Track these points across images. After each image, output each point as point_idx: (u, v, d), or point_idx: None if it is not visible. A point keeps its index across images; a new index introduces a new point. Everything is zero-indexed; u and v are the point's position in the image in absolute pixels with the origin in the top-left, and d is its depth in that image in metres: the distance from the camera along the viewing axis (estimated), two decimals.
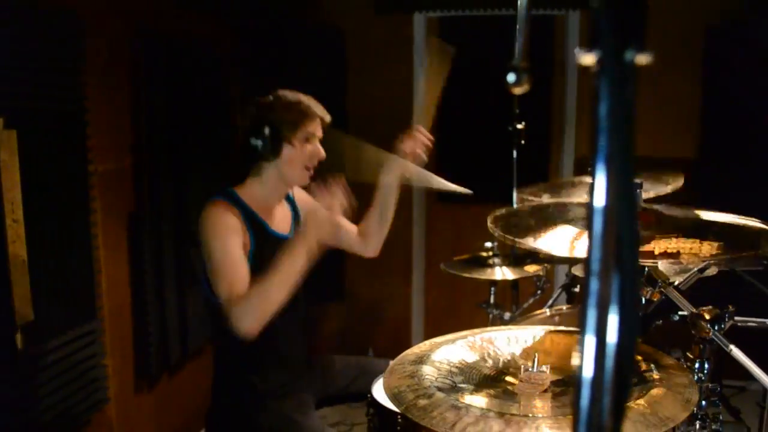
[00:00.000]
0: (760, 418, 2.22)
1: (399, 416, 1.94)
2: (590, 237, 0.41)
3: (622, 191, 0.39)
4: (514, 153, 3.13)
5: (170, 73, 3.00)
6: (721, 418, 1.61)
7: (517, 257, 3.00)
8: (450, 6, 4.17)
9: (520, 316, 2.94)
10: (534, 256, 2.99)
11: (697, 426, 1.51)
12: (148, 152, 2.89)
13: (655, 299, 1.65)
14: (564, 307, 2.80)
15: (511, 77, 0.49)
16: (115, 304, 2.74)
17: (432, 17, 4.26)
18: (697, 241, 1.47)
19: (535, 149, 3.66)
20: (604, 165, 0.39)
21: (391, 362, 1.53)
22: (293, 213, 2.30)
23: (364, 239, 2.46)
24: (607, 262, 0.40)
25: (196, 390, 3.33)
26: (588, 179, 1.76)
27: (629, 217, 0.39)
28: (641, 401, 1.19)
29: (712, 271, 1.88)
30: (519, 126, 3.08)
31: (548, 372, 1.39)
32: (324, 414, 2.48)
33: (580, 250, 1.50)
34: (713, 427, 1.55)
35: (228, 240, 1.97)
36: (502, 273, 2.87)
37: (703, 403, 1.51)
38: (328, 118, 2.20)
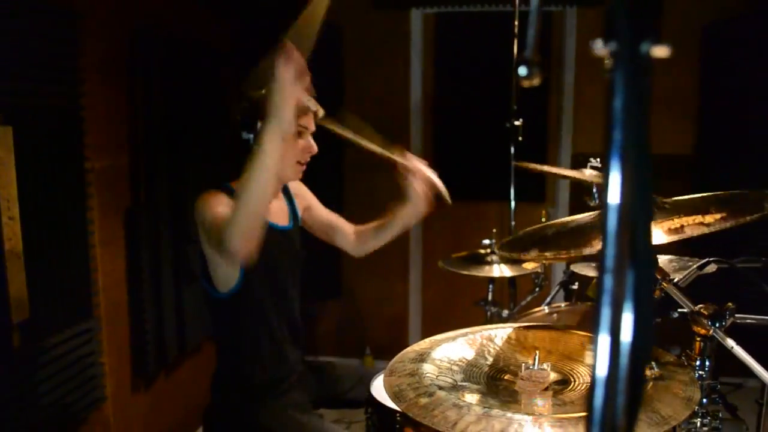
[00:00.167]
0: (758, 415, 2.21)
1: (398, 414, 1.94)
2: (604, 233, 0.40)
3: (637, 186, 0.38)
4: (512, 150, 3.12)
5: (167, 70, 2.99)
6: (720, 415, 1.61)
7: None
8: (447, 2, 4.16)
9: (518, 314, 2.94)
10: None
11: (698, 424, 1.50)
12: (145, 149, 2.88)
13: (655, 296, 1.64)
14: (562, 305, 2.79)
15: (522, 70, 0.47)
16: (112, 301, 2.73)
17: (429, 13, 4.25)
18: (699, 215, 1.47)
19: (533, 146, 3.66)
20: (618, 160, 0.38)
21: (392, 360, 1.52)
22: (290, 206, 2.30)
23: (360, 242, 2.45)
24: (622, 259, 0.39)
25: (193, 388, 3.32)
26: (588, 173, 1.75)
27: (644, 213, 0.38)
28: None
29: (711, 268, 1.87)
30: (517, 123, 3.07)
31: (549, 370, 1.38)
32: (322, 413, 2.48)
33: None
34: (713, 424, 1.55)
35: (220, 206, 1.96)
36: (500, 270, 2.86)
37: (704, 400, 1.51)
38: (321, 112, 2.18)
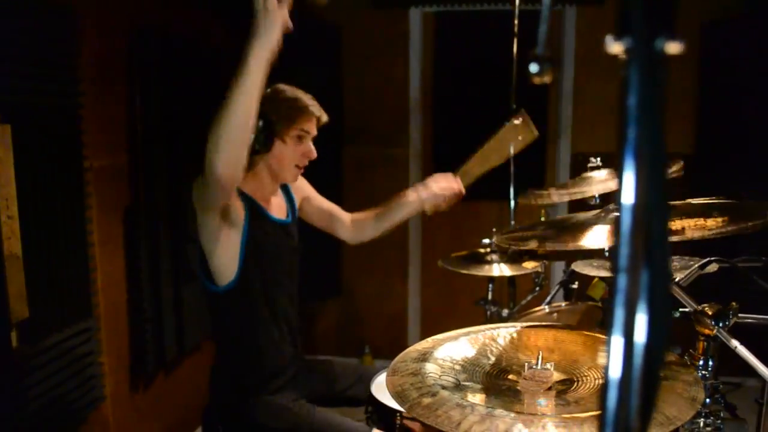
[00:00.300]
0: (758, 414, 2.21)
1: (398, 414, 1.93)
2: (618, 232, 0.39)
3: (653, 185, 0.37)
4: (511, 149, 3.11)
5: (166, 69, 2.98)
6: (722, 415, 1.61)
7: (515, 254, 2.99)
8: (446, 1, 4.15)
9: (518, 313, 2.93)
10: (532, 253, 2.98)
11: (702, 424, 1.50)
12: (144, 148, 2.87)
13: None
14: (562, 304, 2.79)
15: (533, 67, 0.47)
16: (111, 301, 2.72)
17: (428, 12, 4.24)
18: (701, 219, 1.47)
19: (532, 146, 3.65)
20: (633, 158, 0.38)
21: (394, 360, 1.52)
22: (288, 201, 2.31)
23: (357, 231, 2.48)
24: (636, 257, 0.39)
25: (192, 387, 3.31)
26: (589, 174, 1.75)
27: (661, 211, 0.37)
28: None
29: (712, 267, 1.87)
30: (516, 122, 3.05)
31: (552, 370, 1.37)
32: (320, 411, 2.47)
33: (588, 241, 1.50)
34: (716, 424, 1.55)
35: None
36: (500, 270, 2.86)
37: (707, 400, 1.50)
38: (325, 118, 2.17)
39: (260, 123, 2.03)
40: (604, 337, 1.54)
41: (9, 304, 2.09)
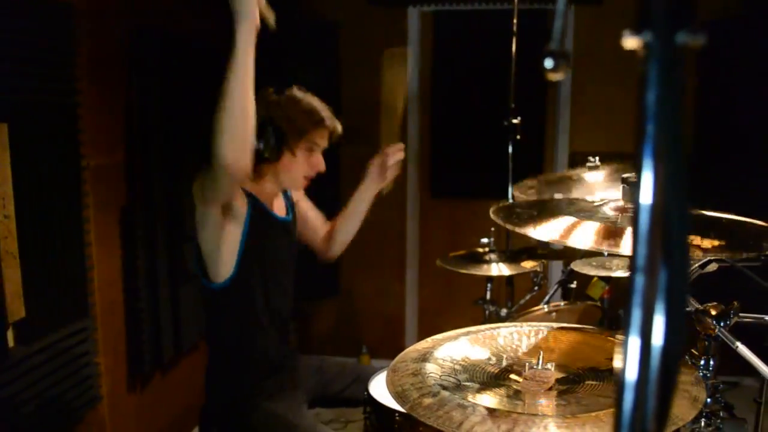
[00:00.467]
0: (756, 413, 2.21)
1: (397, 414, 1.92)
2: (635, 232, 0.38)
3: (672, 183, 0.36)
4: (510, 148, 3.10)
5: (164, 67, 2.97)
6: (722, 414, 1.60)
7: (513, 253, 2.99)
8: (445, 0, 4.15)
9: (517, 313, 2.93)
10: (531, 252, 2.98)
11: (702, 423, 1.50)
12: (142, 147, 2.86)
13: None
14: (561, 304, 2.79)
15: (548, 62, 0.46)
16: (108, 300, 2.71)
17: (426, 11, 4.23)
18: (698, 237, 1.45)
19: (530, 144, 3.65)
20: (651, 156, 0.37)
21: (393, 360, 1.51)
22: (287, 200, 2.30)
23: (329, 242, 2.45)
24: (654, 257, 0.38)
25: (189, 387, 3.30)
26: (584, 172, 1.74)
27: (681, 210, 0.37)
28: None
29: (712, 266, 1.87)
30: (515, 121, 3.05)
31: (553, 370, 1.37)
32: (318, 412, 2.46)
33: (577, 240, 1.48)
34: (717, 424, 1.54)
35: None
36: (499, 269, 2.85)
37: (709, 400, 1.50)
38: (339, 130, 2.13)
39: (270, 130, 1.98)
40: (604, 336, 1.54)
41: (5, 303, 2.08)
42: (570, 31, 4.11)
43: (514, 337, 1.57)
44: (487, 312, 3.02)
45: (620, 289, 2.66)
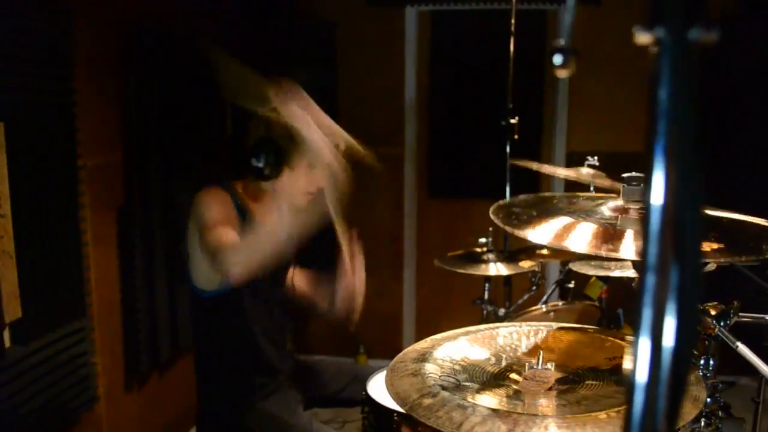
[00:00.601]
0: (754, 413, 2.21)
1: (395, 414, 1.92)
2: (646, 231, 0.38)
3: (685, 182, 0.36)
4: (507, 148, 3.10)
5: (161, 66, 2.95)
6: (720, 414, 1.60)
7: (511, 253, 2.98)
8: None
9: (515, 313, 2.92)
10: (528, 252, 2.97)
11: (702, 423, 1.49)
12: (138, 146, 2.85)
13: None
14: (560, 303, 2.78)
15: (557, 58, 0.45)
16: (105, 300, 2.70)
17: (424, 11, 4.23)
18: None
19: (527, 144, 3.65)
20: (663, 153, 0.36)
21: (391, 360, 1.50)
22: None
23: None
24: (666, 256, 0.37)
25: (186, 388, 3.28)
26: (584, 171, 1.73)
27: (693, 208, 0.36)
28: None
29: (710, 266, 1.87)
30: (512, 121, 3.05)
31: (553, 369, 1.36)
32: (315, 412, 2.45)
33: (573, 242, 1.46)
34: (716, 424, 1.54)
35: (223, 209, 1.94)
36: (497, 269, 2.85)
37: (708, 399, 1.50)
38: (343, 145, 2.10)
39: (270, 148, 1.95)
40: (603, 336, 1.54)
41: (2, 303, 2.07)
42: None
43: (514, 337, 1.56)
44: (485, 312, 3.02)
45: (619, 289, 2.66)
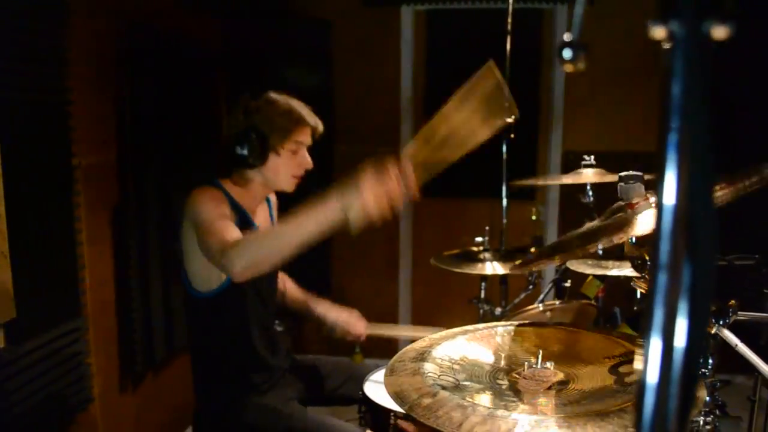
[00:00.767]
0: (750, 411, 2.22)
1: (392, 413, 1.91)
2: (658, 230, 0.37)
3: (698, 180, 0.35)
4: (504, 147, 3.10)
5: (157, 65, 2.94)
6: (718, 413, 1.60)
7: (507, 252, 2.98)
8: None
9: (511, 312, 2.92)
10: (525, 251, 2.97)
11: (701, 422, 1.49)
12: (133, 146, 2.83)
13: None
14: (556, 302, 2.78)
15: (566, 54, 0.45)
16: (100, 300, 2.68)
17: (419, 10, 4.22)
18: None
19: (523, 143, 3.64)
20: (676, 150, 0.36)
21: (388, 359, 1.50)
22: (270, 210, 2.29)
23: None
24: (678, 255, 0.36)
25: (182, 388, 3.27)
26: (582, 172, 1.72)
27: (706, 206, 0.35)
28: None
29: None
30: (508, 120, 3.04)
31: (552, 368, 1.36)
32: (311, 410, 2.45)
33: None
34: (715, 422, 1.54)
35: (219, 206, 1.92)
36: (493, 268, 2.84)
37: (707, 398, 1.50)
38: (321, 128, 2.12)
39: (253, 136, 1.98)
40: (603, 335, 1.53)
41: None
42: (563, 30, 4.10)
43: (512, 335, 1.56)
44: (481, 311, 3.02)
45: (616, 288, 2.66)
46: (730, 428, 1.87)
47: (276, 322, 2.31)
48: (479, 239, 2.97)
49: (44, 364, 2.31)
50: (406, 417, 1.81)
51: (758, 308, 2.05)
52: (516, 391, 1.34)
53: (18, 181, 2.14)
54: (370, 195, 1.49)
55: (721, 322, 1.39)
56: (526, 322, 1.64)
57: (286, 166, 2.06)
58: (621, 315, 2.65)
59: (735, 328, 1.56)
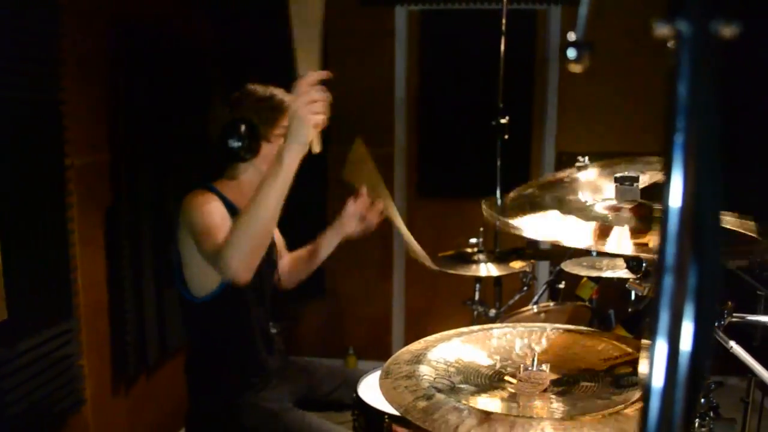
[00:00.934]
0: (743, 412, 2.22)
1: (386, 416, 1.90)
2: (664, 230, 0.37)
3: (705, 180, 0.34)
4: (498, 148, 3.10)
5: (150, 65, 2.93)
6: (711, 414, 1.60)
7: (502, 253, 2.98)
8: None
9: (506, 314, 2.92)
10: (519, 252, 2.97)
11: (696, 424, 1.49)
12: (126, 146, 2.82)
13: (651, 295, 1.62)
14: (551, 304, 2.78)
15: (571, 53, 0.44)
16: (92, 302, 2.67)
17: (414, 10, 4.22)
18: None
19: (517, 144, 3.64)
20: (682, 151, 0.35)
21: (382, 361, 1.49)
22: None
23: (292, 271, 2.43)
24: (684, 258, 0.36)
25: (174, 390, 3.25)
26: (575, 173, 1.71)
27: (713, 208, 0.35)
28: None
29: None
30: (503, 120, 3.04)
31: (547, 371, 1.35)
32: (310, 416, 2.44)
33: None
34: (709, 424, 1.54)
35: (213, 207, 1.92)
36: (487, 269, 2.84)
37: (702, 400, 1.50)
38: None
39: (241, 126, 1.99)
40: (598, 337, 1.53)
41: None
42: (557, 31, 4.11)
43: (508, 338, 1.55)
44: (475, 313, 3.01)
45: (610, 290, 2.66)
46: (723, 430, 1.87)
47: (270, 323, 2.30)
48: (473, 240, 2.97)
49: (36, 366, 2.30)
50: (401, 420, 1.80)
51: (751, 310, 2.05)
52: (512, 394, 1.33)
53: (10, 181, 2.13)
54: (299, 112, 1.69)
55: (716, 324, 1.39)
56: (521, 324, 1.64)
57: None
58: (615, 317, 2.64)
59: (728, 330, 1.56)
